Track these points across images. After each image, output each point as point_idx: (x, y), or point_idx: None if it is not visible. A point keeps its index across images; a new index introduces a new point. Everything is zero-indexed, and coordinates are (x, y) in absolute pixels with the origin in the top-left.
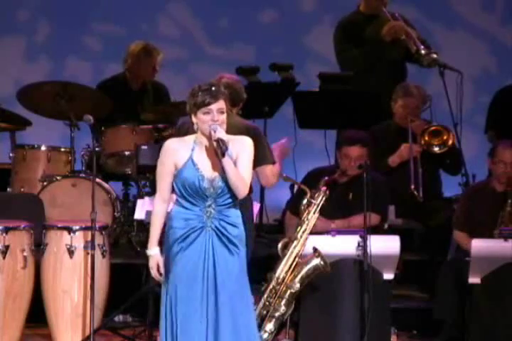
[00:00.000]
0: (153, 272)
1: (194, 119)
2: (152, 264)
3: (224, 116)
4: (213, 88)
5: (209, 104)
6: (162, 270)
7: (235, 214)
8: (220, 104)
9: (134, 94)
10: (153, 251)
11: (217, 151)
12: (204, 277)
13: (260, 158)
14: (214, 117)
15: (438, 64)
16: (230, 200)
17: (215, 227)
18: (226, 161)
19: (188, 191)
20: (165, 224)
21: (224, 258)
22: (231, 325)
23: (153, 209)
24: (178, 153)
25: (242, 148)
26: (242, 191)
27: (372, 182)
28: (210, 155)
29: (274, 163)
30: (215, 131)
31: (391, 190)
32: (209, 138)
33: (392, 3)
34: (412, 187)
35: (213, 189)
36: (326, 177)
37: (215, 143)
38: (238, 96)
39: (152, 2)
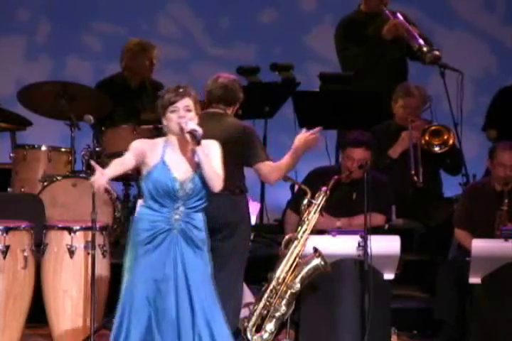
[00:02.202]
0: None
1: (164, 121)
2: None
3: (192, 115)
4: (180, 89)
5: (174, 102)
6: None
7: (199, 218)
8: (186, 101)
9: (133, 92)
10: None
11: (193, 142)
12: (174, 277)
13: (253, 156)
14: (180, 114)
15: (439, 63)
16: (197, 203)
17: (182, 230)
18: (200, 150)
19: (160, 192)
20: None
21: (192, 259)
22: (206, 327)
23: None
24: (147, 154)
25: (210, 149)
26: (217, 183)
27: (376, 182)
28: (181, 156)
29: (268, 160)
30: (186, 124)
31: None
32: (180, 135)
33: (392, 3)
34: (413, 172)
35: (184, 191)
36: (336, 176)
37: (188, 136)
38: (234, 96)
39: (152, 2)
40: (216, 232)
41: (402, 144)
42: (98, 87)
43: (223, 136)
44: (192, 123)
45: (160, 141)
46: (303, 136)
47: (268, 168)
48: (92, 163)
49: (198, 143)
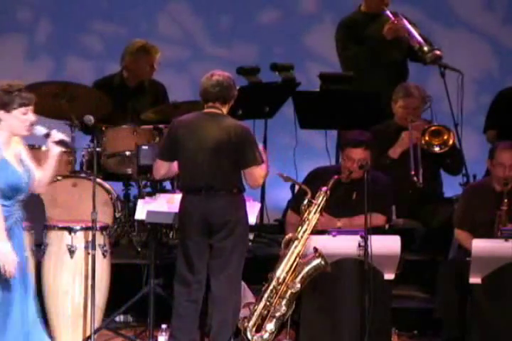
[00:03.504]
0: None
1: (4, 115)
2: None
3: (32, 118)
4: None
5: (29, 104)
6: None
7: None
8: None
9: (131, 92)
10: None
11: (63, 148)
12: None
13: (249, 160)
14: (30, 118)
15: (440, 63)
16: (26, 195)
17: (21, 220)
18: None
19: (8, 189)
20: None
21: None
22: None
23: None
24: None
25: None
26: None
27: (376, 182)
28: (17, 152)
29: (262, 163)
30: (51, 133)
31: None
32: (24, 135)
33: (393, 3)
34: (412, 173)
35: (26, 184)
36: (336, 176)
37: (56, 144)
38: (228, 93)
39: (152, 2)
40: (215, 232)
41: (402, 144)
42: (96, 86)
43: (223, 137)
44: (54, 131)
45: None
46: None
47: (261, 172)
48: None
49: (69, 147)
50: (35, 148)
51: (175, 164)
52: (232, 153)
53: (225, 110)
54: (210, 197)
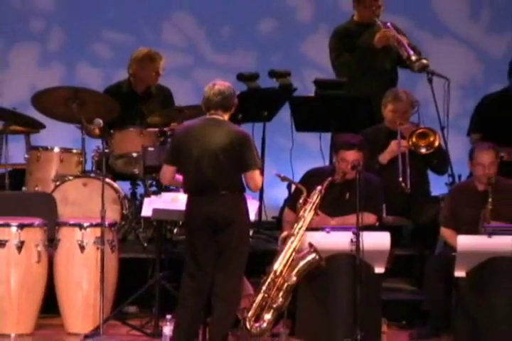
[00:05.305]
0: None
1: None
2: None
3: None
4: None
5: None
6: None
7: None
8: None
9: (139, 97)
10: None
11: None
12: None
13: (250, 163)
14: None
15: (427, 70)
16: None
17: None
18: None
19: None
20: None
21: None
22: None
23: None
24: None
25: None
26: None
27: (368, 183)
28: None
29: (260, 167)
30: None
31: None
32: None
33: (384, 14)
34: (400, 179)
35: None
36: (330, 178)
37: None
38: (229, 102)
39: (158, 12)
40: (219, 231)
41: (390, 152)
42: (106, 93)
43: (226, 141)
44: None
45: None
46: None
47: (259, 175)
48: None
49: None
50: (48, 149)
51: (179, 177)
52: (233, 157)
53: (226, 117)
54: (213, 198)
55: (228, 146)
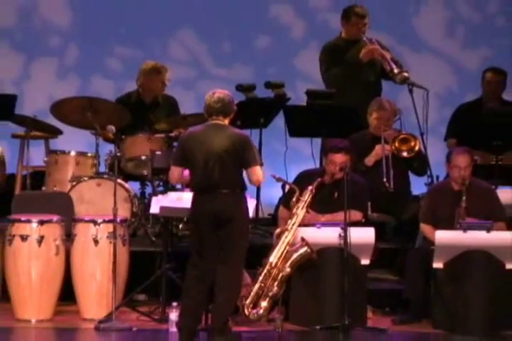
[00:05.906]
0: None
1: None
2: None
3: None
4: None
5: None
6: None
7: None
8: None
9: (147, 106)
10: None
11: None
12: None
13: (251, 160)
14: None
15: (408, 82)
16: None
17: None
18: None
19: None
20: None
21: None
22: None
23: None
24: None
25: None
26: None
27: (354, 184)
28: None
29: (261, 164)
30: None
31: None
32: None
33: (369, 30)
34: (385, 180)
35: None
36: (319, 179)
37: None
38: (229, 108)
39: (164, 29)
40: (222, 226)
41: (375, 155)
42: (117, 102)
43: (228, 143)
44: None
45: None
46: None
47: (260, 171)
48: None
49: None
50: (65, 153)
51: (187, 172)
52: (235, 158)
53: (226, 122)
54: (217, 196)
55: (231, 148)
